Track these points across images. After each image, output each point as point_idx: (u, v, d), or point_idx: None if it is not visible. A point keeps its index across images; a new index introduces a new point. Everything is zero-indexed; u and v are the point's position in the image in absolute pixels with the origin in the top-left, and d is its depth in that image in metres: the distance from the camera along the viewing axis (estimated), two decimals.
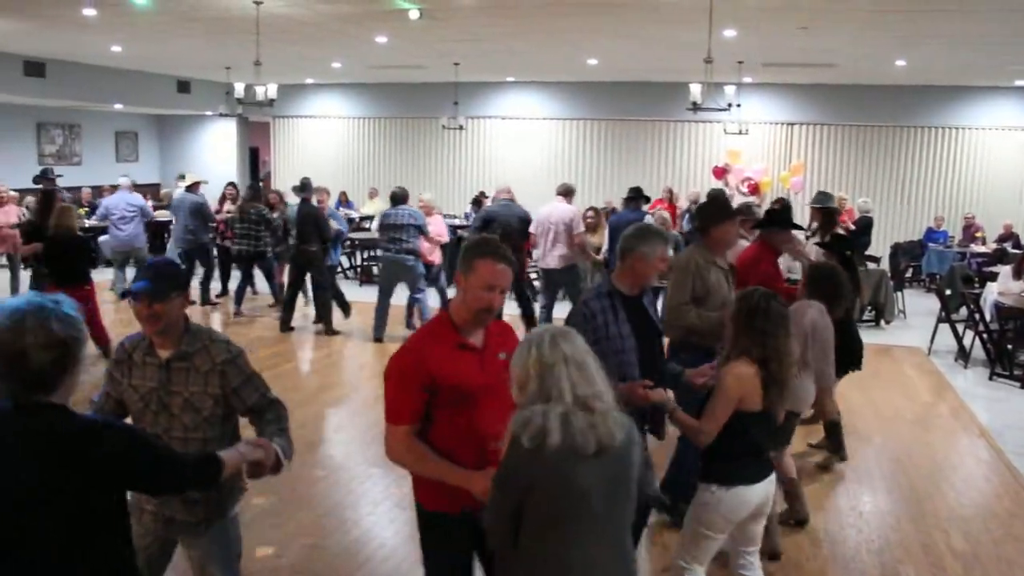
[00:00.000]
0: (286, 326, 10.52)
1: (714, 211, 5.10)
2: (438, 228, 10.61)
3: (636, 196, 10.37)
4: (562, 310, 8.46)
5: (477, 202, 14.76)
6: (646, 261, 3.85)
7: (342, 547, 4.96)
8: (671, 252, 3.96)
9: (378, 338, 10.05)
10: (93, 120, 19.26)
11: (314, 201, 10.54)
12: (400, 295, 10.28)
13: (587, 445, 2.45)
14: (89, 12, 10.03)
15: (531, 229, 9.85)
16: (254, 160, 22.19)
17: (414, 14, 9.46)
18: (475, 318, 2.98)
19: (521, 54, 13.31)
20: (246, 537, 3.45)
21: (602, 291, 3.90)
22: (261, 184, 16.03)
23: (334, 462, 6.44)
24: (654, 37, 11.12)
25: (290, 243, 10.72)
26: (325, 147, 19.60)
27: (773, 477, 3.66)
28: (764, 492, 3.57)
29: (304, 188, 10.58)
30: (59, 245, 8.28)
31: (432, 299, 10.50)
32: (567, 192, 9.96)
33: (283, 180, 18.75)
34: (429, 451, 2.93)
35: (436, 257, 10.63)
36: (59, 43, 13.03)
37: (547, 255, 9.72)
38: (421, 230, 9.90)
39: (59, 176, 11.85)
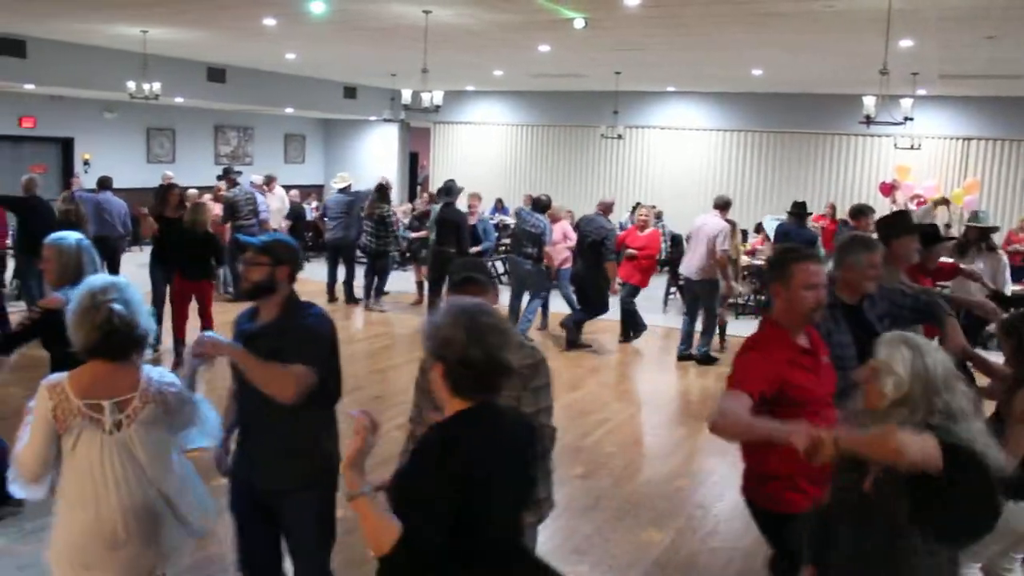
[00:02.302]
0: None
1: (895, 224, 4.98)
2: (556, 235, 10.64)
3: (799, 212, 10.10)
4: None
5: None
6: (855, 270, 3.95)
7: None
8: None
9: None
10: (265, 123, 20.26)
11: (462, 206, 10.73)
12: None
13: None
14: (269, 22, 10.53)
15: (686, 236, 9.86)
16: (413, 165, 22.77)
17: (579, 23, 9.46)
18: (805, 319, 3.26)
19: (684, 64, 13.12)
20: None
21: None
22: (419, 187, 16.47)
23: None
24: (824, 47, 10.74)
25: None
26: (483, 153, 19.88)
27: None
28: None
29: (448, 192, 10.77)
30: (193, 240, 8.70)
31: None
32: (723, 205, 9.82)
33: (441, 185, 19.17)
34: (753, 415, 3.02)
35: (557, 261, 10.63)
36: (239, 51, 13.76)
37: (690, 264, 9.69)
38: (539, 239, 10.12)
39: (238, 173, 12.53)
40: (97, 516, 2.88)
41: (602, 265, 9.86)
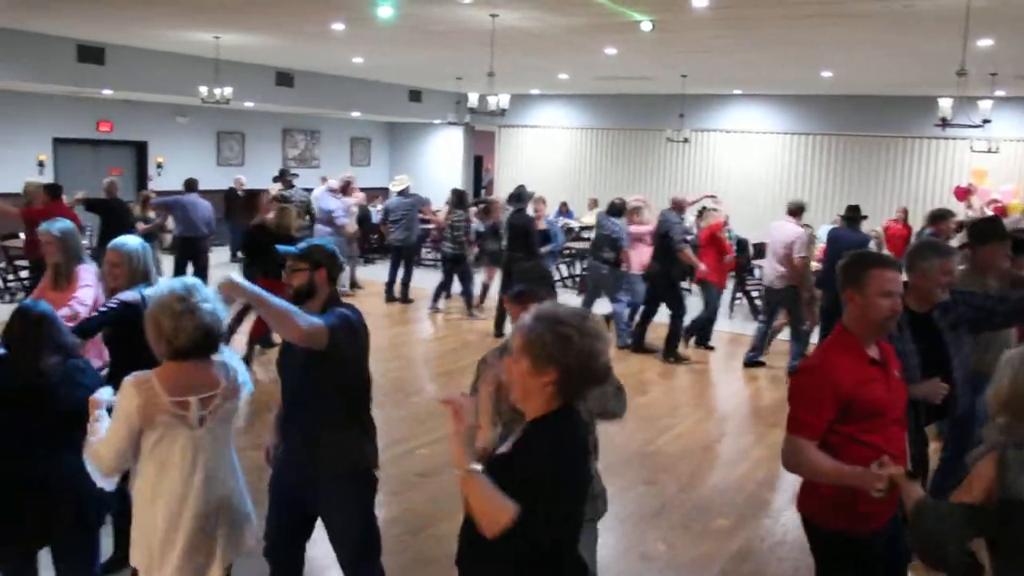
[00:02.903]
0: (499, 329, 10.61)
1: (986, 229, 4.87)
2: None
3: (852, 216, 9.81)
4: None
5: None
6: (926, 277, 3.86)
7: None
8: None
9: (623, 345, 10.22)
10: (331, 126, 20.56)
11: (529, 211, 10.75)
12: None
13: None
14: (338, 27, 10.67)
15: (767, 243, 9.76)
16: (478, 168, 22.88)
17: (646, 26, 9.40)
18: (879, 328, 3.13)
19: (751, 66, 12.94)
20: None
21: None
22: (483, 190, 16.56)
23: None
24: (898, 48, 10.50)
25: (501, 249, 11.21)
26: (548, 157, 19.87)
27: None
28: None
29: (519, 198, 10.84)
30: (277, 242, 8.84)
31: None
32: (797, 210, 9.62)
33: (506, 188, 19.19)
34: (825, 459, 3.00)
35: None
36: (308, 56, 13.97)
37: (769, 273, 9.51)
38: (615, 243, 10.13)
39: (295, 175, 12.76)
40: (180, 511, 2.95)
41: (671, 261, 9.73)
